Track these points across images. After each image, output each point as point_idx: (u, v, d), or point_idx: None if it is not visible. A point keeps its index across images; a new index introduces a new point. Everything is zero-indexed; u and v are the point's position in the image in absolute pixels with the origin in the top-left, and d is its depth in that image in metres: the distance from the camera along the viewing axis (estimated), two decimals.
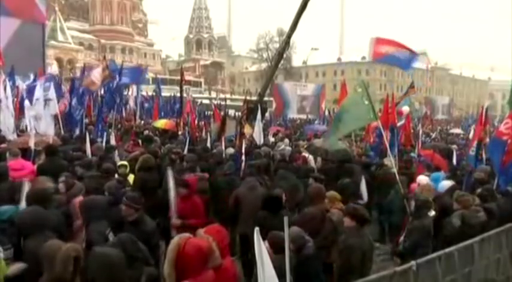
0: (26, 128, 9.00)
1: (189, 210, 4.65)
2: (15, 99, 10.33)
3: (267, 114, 19.40)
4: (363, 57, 74.35)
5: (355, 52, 73.30)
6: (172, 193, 4.63)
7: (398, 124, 9.18)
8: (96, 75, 10.88)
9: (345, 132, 7.41)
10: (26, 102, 9.06)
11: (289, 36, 14.99)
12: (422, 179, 6.06)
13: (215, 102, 30.00)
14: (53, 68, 32.67)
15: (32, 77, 13.54)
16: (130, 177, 5.95)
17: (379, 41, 7.89)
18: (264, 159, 7.06)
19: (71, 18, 61.24)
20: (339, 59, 79.55)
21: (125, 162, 6.13)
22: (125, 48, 64.13)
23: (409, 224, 4.60)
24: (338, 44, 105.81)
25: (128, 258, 2.51)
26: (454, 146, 11.11)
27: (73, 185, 4.37)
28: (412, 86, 14.46)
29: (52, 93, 9.11)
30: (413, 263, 3.22)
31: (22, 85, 12.42)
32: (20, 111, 9.74)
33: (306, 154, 8.11)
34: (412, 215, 4.68)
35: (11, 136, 7.87)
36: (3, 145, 6.66)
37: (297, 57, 69.28)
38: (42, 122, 8.12)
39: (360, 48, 63.84)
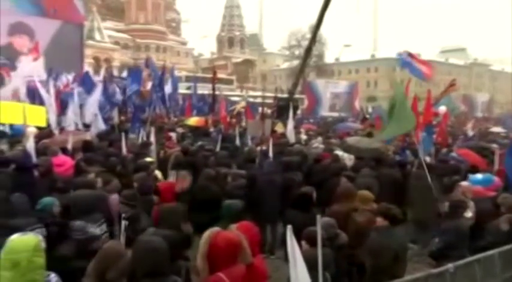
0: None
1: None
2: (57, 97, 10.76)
3: (298, 112, 19.29)
4: (399, 53, 72.56)
5: (389, 48, 71.67)
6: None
7: (434, 122, 8.92)
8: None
9: (390, 134, 7.26)
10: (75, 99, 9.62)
11: (315, 33, 14.90)
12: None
13: (245, 100, 30.11)
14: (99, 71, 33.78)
15: (71, 76, 14.02)
16: (158, 173, 6.13)
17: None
18: (296, 156, 7.04)
19: (107, 18, 63.01)
20: (373, 55, 77.98)
21: (152, 159, 6.26)
22: (159, 47, 65.40)
23: (443, 225, 4.47)
24: (372, 40, 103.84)
25: (171, 251, 2.56)
26: (495, 145, 10.66)
27: (110, 181, 4.51)
28: (452, 84, 13.88)
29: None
30: (450, 265, 3.13)
31: (67, 82, 12.89)
32: (60, 108, 10.16)
33: (338, 152, 8.02)
34: (446, 215, 4.55)
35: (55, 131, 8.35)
36: (45, 140, 6.96)
37: (329, 54, 68.48)
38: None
39: (395, 44, 62.28)
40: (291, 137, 9.84)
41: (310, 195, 4.45)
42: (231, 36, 74.51)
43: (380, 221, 3.78)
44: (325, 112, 31.06)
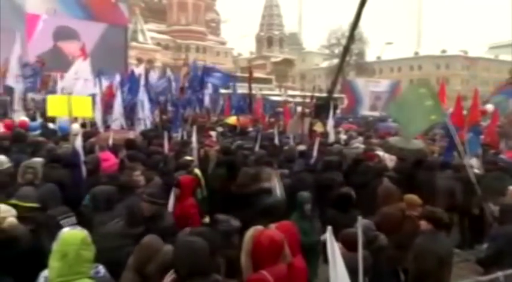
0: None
1: (177, 213, 4.24)
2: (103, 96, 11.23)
3: (337, 111, 19.01)
4: (443, 51, 69.66)
5: (434, 45, 69.09)
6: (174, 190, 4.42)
7: (483, 123, 8.50)
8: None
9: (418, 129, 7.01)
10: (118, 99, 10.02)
11: (352, 31, 14.63)
12: None
13: (283, 98, 30.07)
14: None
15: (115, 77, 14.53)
16: (198, 172, 6.24)
17: None
18: (335, 156, 6.94)
19: (150, 20, 64.84)
20: (416, 52, 75.48)
21: (192, 158, 6.37)
22: (199, 47, 66.54)
23: (493, 230, 4.25)
24: (416, 37, 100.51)
25: (210, 249, 2.59)
26: None
27: (152, 179, 4.63)
28: (510, 82, 13.04)
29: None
30: (500, 273, 2.97)
31: (112, 82, 13.39)
32: (106, 107, 10.60)
33: (379, 152, 7.82)
34: (496, 220, 4.33)
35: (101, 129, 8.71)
36: (92, 139, 7.26)
37: (370, 52, 67.01)
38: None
39: (439, 41, 59.94)
40: (331, 136, 9.71)
41: (350, 196, 4.38)
42: (270, 36, 74.55)
43: (424, 224, 3.65)
44: (365, 111, 30.44)
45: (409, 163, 6.75)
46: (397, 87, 32.31)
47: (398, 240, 3.75)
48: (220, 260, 3.09)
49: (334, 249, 2.14)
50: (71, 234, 2.26)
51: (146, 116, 10.64)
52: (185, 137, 8.65)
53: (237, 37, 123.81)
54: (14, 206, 3.32)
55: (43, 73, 14.71)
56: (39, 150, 6.10)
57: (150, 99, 11.64)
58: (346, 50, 16.34)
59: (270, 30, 74.50)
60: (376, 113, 29.35)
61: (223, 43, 74.53)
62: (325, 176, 5.86)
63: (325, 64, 73.85)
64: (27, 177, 4.40)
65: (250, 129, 12.26)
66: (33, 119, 10.41)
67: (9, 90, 12.21)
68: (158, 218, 3.61)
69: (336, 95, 21.45)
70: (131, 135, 8.27)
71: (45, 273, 2.57)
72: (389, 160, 7.51)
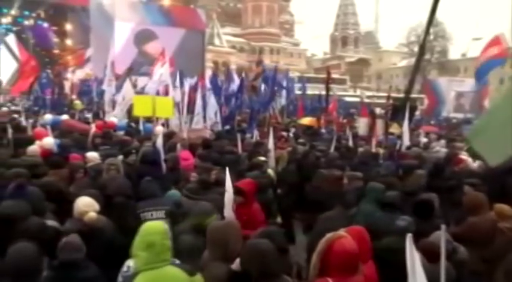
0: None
1: (244, 220, 3.97)
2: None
3: (417, 113, 18.02)
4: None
5: None
6: (228, 195, 3.91)
7: None
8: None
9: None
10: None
11: (428, 27, 13.72)
12: None
13: (360, 99, 29.28)
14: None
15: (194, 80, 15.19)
16: (270, 172, 6.28)
17: None
18: (414, 160, 6.58)
19: (226, 24, 66.89)
20: (509, 48, 69.10)
21: (264, 158, 6.42)
22: (273, 49, 67.22)
23: None
24: (509, 31, 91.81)
25: (278, 250, 2.60)
26: None
27: (224, 179, 4.75)
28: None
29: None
30: None
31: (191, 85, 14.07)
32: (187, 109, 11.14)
33: (464, 157, 7.27)
34: None
35: (176, 129, 9.24)
36: (173, 140, 7.64)
37: (455, 49, 62.59)
38: None
39: None
40: (406, 139, 9.22)
41: (432, 203, 4.10)
42: (344, 35, 73.02)
43: None
44: (448, 113, 28.50)
45: (499, 169, 6.17)
46: (484, 86, 29.81)
47: (486, 253, 3.44)
48: (291, 261, 3.08)
49: (414, 258, 2.04)
50: (155, 225, 2.43)
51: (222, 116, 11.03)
52: (258, 138, 8.76)
53: (311, 38, 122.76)
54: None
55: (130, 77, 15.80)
56: (124, 148, 6.55)
57: (226, 100, 12.00)
58: (422, 48, 15.47)
59: (344, 29, 72.96)
60: (460, 115, 27.36)
61: (296, 44, 74.50)
62: (405, 181, 5.53)
63: (403, 63, 70.45)
64: (111, 173, 4.76)
65: (323, 130, 12.09)
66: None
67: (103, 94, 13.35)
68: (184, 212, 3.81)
69: (415, 96, 20.37)
70: (207, 134, 8.58)
71: (129, 262, 2.76)
72: (475, 166, 6.95)
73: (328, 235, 2.46)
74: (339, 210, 4.23)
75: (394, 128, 10.23)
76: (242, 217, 3.90)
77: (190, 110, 10.97)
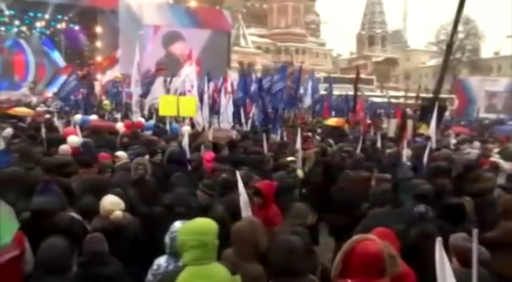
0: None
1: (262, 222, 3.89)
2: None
3: (446, 113, 17.55)
4: None
5: None
6: (242, 198, 3.82)
7: None
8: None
9: None
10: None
11: (455, 24, 13.36)
12: None
13: (387, 100, 28.72)
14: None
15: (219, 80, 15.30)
16: (300, 172, 6.25)
17: None
18: (443, 162, 6.39)
19: (251, 25, 67.08)
20: None
21: (293, 158, 6.40)
22: (298, 49, 66.92)
23: None
24: None
25: (306, 249, 2.59)
26: None
27: (251, 178, 4.76)
28: None
29: None
30: None
31: (216, 86, 14.20)
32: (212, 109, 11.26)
33: (496, 159, 7.02)
34: None
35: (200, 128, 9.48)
36: (199, 140, 7.71)
37: (487, 47, 60.66)
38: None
39: None
40: (433, 140, 8.99)
41: (463, 207, 3.97)
42: (371, 35, 71.94)
43: None
44: (480, 113, 27.63)
45: None
46: None
47: None
48: (318, 262, 3.04)
49: (443, 262, 1.99)
50: (209, 226, 2.44)
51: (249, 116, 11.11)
52: (285, 138, 8.74)
53: (337, 37, 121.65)
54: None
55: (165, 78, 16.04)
56: (151, 147, 6.66)
57: (251, 100, 12.04)
58: (450, 47, 15.08)
59: (371, 28, 71.87)
60: (493, 115, 26.48)
61: (322, 44, 73.93)
62: (434, 183, 5.37)
63: (432, 62, 68.77)
64: (139, 172, 4.85)
65: (349, 131, 11.94)
66: (148, 119, 11.48)
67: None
68: (208, 208, 3.87)
69: (444, 96, 19.88)
70: (233, 134, 8.63)
71: (159, 260, 2.81)
72: (509, 169, 6.70)
73: (355, 236, 2.43)
74: (388, 208, 4.19)
75: (423, 129, 10.00)
76: (259, 219, 3.71)
77: (215, 110, 11.07)
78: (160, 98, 10.40)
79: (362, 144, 8.02)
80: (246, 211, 3.70)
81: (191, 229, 2.41)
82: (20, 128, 9.06)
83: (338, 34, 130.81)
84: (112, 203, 3.53)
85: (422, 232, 3.56)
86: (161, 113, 9.95)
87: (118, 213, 3.48)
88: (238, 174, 3.99)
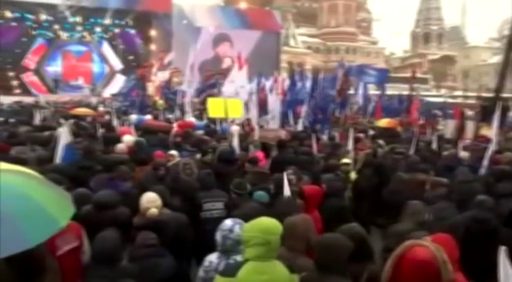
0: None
1: None
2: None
3: (510, 114, 16.43)
4: None
5: None
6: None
7: None
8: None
9: None
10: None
11: None
12: None
13: (443, 100, 27.43)
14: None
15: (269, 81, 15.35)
16: (352, 175, 6.13)
17: None
18: (508, 166, 5.99)
19: (301, 24, 66.65)
20: None
21: (348, 161, 6.28)
22: (349, 48, 65.58)
23: None
24: None
25: (353, 252, 2.54)
26: None
27: (302, 178, 4.73)
28: None
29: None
30: None
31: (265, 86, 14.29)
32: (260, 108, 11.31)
33: None
34: None
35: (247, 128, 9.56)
36: (248, 140, 7.79)
37: None
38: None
39: None
40: (494, 142, 8.44)
41: None
42: (427, 32, 68.98)
43: None
44: None
45: None
46: None
47: None
48: (365, 266, 2.96)
49: (508, 274, 1.87)
50: (275, 226, 2.51)
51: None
52: (336, 139, 8.61)
53: (390, 35, 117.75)
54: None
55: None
56: (202, 147, 6.81)
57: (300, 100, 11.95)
58: (511, 42, 14.05)
59: (427, 25, 68.90)
60: None
61: (374, 43, 71.91)
62: (501, 187, 4.98)
63: (494, 60, 64.71)
64: (186, 172, 4.98)
65: (402, 132, 11.53)
66: (199, 119, 11.78)
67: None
68: (234, 207, 4.07)
69: (507, 95, 18.61)
70: (282, 134, 8.62)
71: (210, 257, 2.86)
72: None
73: (408, 241, 2.34)
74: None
75: (484, 130, 9.45)
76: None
77: (264, 111, 11.09)
78: (209, 101, 10.77)
79: (416, 145, 7.72)
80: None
81: (258, 227, 2.48)
82: (81, 127, 9.62)
83: (391, 32, 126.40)
84: (148, 201, 3.57)
85: (475, 217, 3.56)
86: (210, 114, 10.28)
87: (153, 211, 3.50)
88: (285, 174, 4.04)
